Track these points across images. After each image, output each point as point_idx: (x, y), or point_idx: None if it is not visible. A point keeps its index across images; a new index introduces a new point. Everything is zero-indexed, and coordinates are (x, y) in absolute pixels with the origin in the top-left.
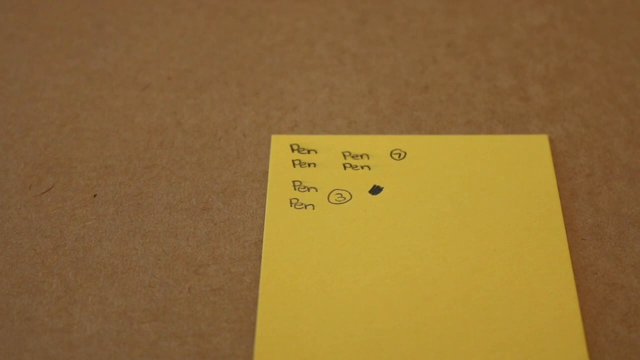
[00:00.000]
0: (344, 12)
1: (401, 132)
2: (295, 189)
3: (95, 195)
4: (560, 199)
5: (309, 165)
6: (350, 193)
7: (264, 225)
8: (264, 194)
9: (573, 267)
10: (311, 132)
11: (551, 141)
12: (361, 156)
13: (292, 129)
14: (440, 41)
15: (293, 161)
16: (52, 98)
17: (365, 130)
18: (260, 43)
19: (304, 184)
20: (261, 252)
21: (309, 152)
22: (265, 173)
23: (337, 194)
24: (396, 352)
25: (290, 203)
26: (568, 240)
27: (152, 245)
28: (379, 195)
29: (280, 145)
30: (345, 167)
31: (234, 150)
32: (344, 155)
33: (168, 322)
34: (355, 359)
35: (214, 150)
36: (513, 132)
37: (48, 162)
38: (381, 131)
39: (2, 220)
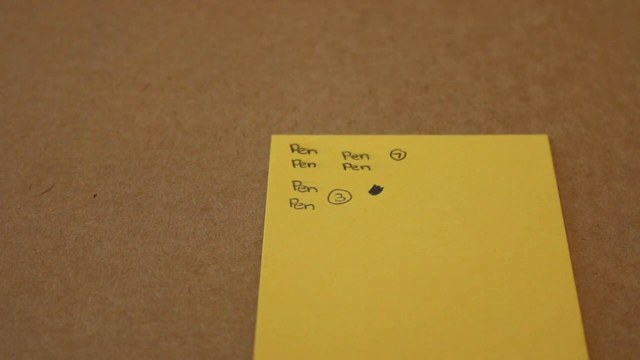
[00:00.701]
0: (344, 12)
1: (401, 132)
2: (295, 189)
3: (95, 195)
4: (560, 199)
5: (309, 165)
6: (350, 193)
7: (264, 225)
8: (264, 194)
9: (573, 267)
10: (311, 132)
11: (551, 141)
12: (361, 156)
13: (292, 129)
14: (440, 41)
15: (293, 161)
16: (52, 98)
17: (365, 130)
18: (260, 43)
19: (304, 184)
20: (261, 252)
21: (309, 152)
22: (265, 173)
23: (337, 194)
24: (396, 352)
25: (290, 203)
26: (568, 240)
27: (152, 245)
28: (379, 195)
29: (280, 145)
30: (345, 167)
31: (234, 150)
32: (344, 155)
33: (168, 322)
34: (355, 359)
35: (214, 150)
36: (513, 132)
37: (48, 162)
38: (381, 131)
39: (2, 220)
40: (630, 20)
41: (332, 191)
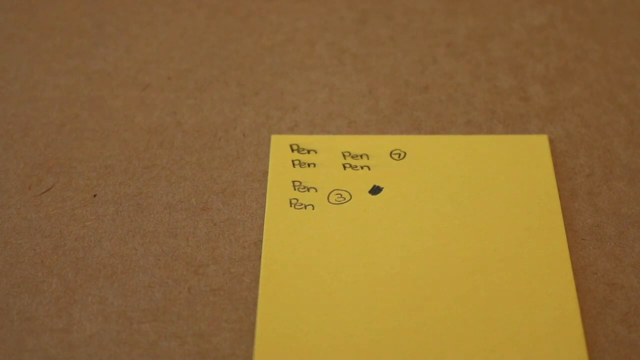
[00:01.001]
0: (344, 12)
1: (401, 132)
2: (295, 189)
3: (95, 195)
4: (560, 199)
5: (309, 165)
6: (350, 193)
7: (263, 225)
8: (264, 194)
9: (573, 267)
10: (311, 132)
11: (551, 141)
12: (361, 156)
13: (292, 129)
14: (440, 41)
15: (293, 161)
16: (52, 98)
17: (365, 130)
18: (260, 43)
19: (303, 184)
20: (261, 252)
21: (308, 152)
22: (265, 173)
23: (337, 194)
24: (396, 352)
25: (290, 203)
26: (568, 240)
27: (152, 245)
28: (378, 195)
29: (280, 145)
30: (345, 167)
31: (234, 150)
32: (344, 155)
33: (168, 322)
34: (355, 359)
35: (214, 150)
36: (513, 132)
37: (48, 162)
38: (381, 131)
39: (2, 220)
40: (630, 20)
41: (332, 191)
